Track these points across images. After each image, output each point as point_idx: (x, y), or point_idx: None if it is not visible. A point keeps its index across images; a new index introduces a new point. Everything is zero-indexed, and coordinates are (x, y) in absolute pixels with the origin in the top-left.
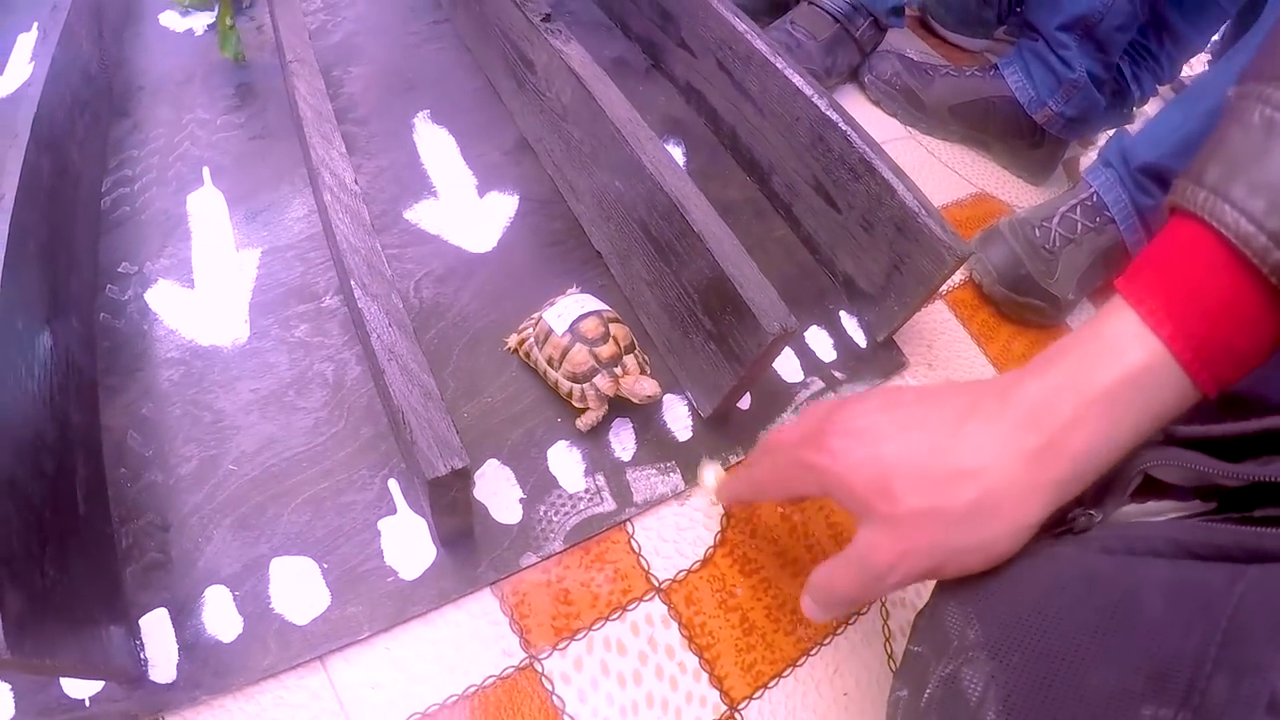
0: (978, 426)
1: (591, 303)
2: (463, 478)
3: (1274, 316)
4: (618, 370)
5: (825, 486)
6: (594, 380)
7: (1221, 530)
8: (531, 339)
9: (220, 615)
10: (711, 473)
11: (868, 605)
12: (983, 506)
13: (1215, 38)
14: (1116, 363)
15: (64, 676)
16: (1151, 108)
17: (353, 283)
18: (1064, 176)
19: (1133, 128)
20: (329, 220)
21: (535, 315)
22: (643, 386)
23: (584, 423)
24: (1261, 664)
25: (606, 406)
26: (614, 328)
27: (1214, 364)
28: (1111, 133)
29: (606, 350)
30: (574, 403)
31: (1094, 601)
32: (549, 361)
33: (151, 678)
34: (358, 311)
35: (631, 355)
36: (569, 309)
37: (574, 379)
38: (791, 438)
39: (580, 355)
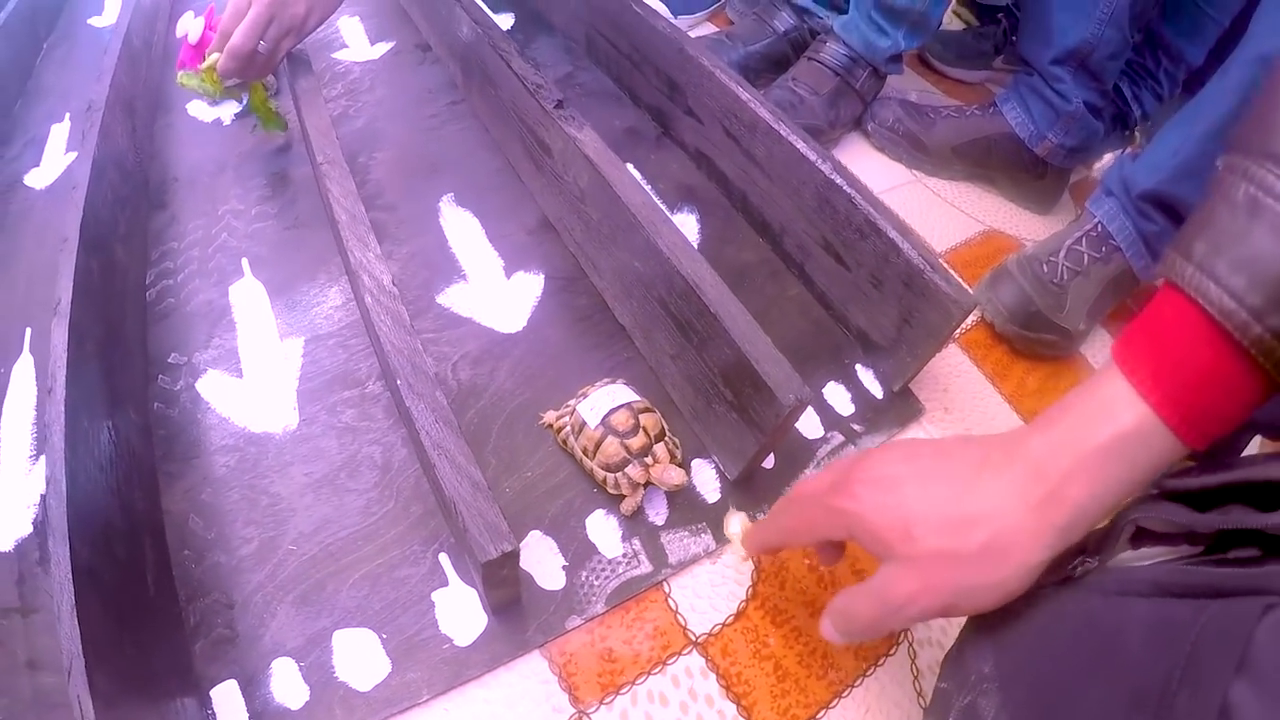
0: (989, 477)
1: (623, 394)
2: (512, 558)
3: (1254, 383)
4: (648, 460)
5: (850, 529)
6: (626, 470)
7: (1194, 572)
8: (568, 429)
9: (287, 685)
10: (736, 522)
11: (887, 634)
12: (993, 548)
13: None
14: (1110, 424)
15: None
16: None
17: (399, 382)
18: (1070, 203)
19: (1133, 153)
20: (371, 321)
21: (570, 404)
22: (670, 476)
23: (626, 508)
24: (1215, 680)
25: (644, 490)
26: (644, 418)
27: (1199, 425)
28: (1114, 154)
29: (637, 442)
30: (609, 489)
31: (1088, 637)
32: (584, 451)
33: None
34: (405, 409)
35: (662, 444)
36: (600, 402)
37: (607, 469)
38: (819, 487)
39: (612, 447)
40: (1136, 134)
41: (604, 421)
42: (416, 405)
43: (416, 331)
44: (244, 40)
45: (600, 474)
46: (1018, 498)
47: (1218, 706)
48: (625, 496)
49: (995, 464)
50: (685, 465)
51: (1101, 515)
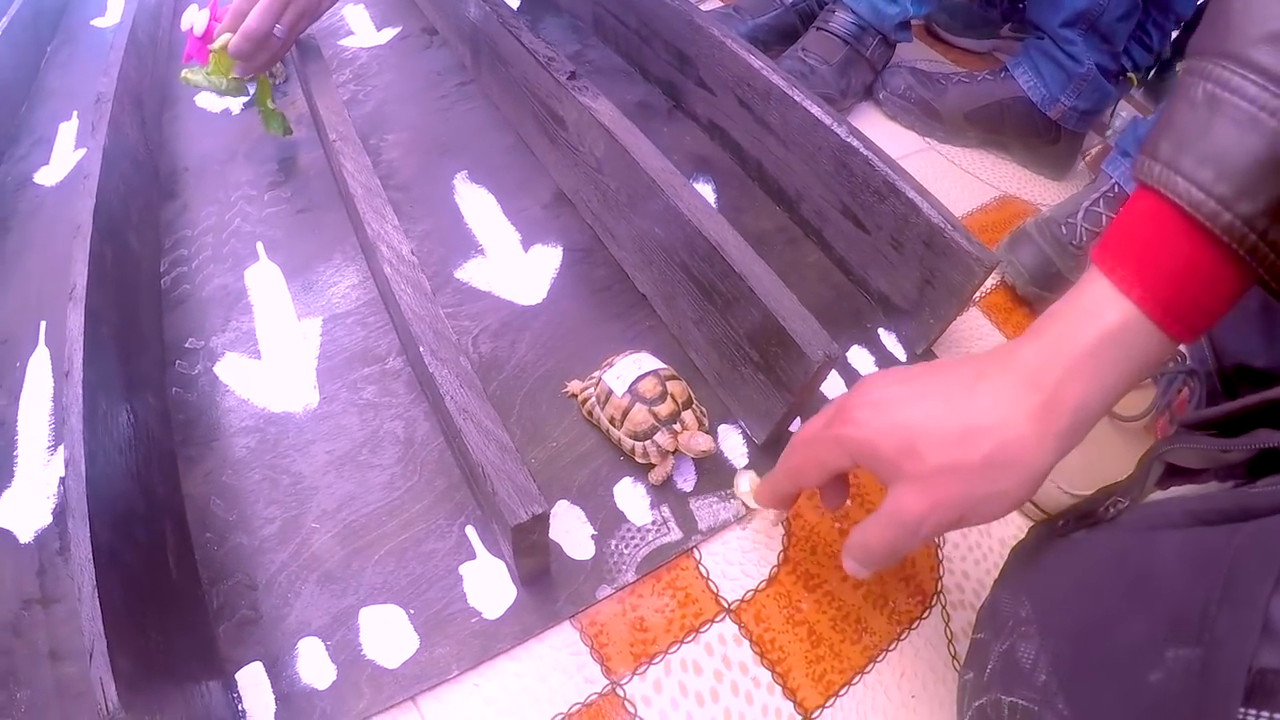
0: (986, 389)
1: (649, 362)
2: (542, 521)
3: (1231, 270)
4: (676, 426)
5: (854, 454)
6: (654, 438)
7: (1223, 497)
8: (594, 399)
9: (314, 665)
10: (746, 480)
11: (905, 556)
12: (998, 458)
13: None
14: (1096, 324)
15: None
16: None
17: (421, 349)
18: (1084, 169)
19: (1148, 116)
20: (391, 291)
21: (595, 375)
22: (698, 442)
23: (655, 477)
24: (1255, 597)
25: (673, 458)
26: (671, 385)
27: (1184, 317)
28: (1118, 113)
29: (665, 409)
30: (637, 459)
31: (1123, 571)
32: (611, 421)
33: None
34: (428, 376)
35: (690, 410)
36: (627, 370)
37: (635, 437)
38: (818, 422)
39: (640, 415)
40: (1133, 78)
41: (631, 389)
42: (440, 371)
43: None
44: (260, 22)
45: (629, 443)
46: (1017, 407)
47: (1260, 622)
48: (654, 465)
49: (990, 375)
50: (712, 432)
51: (1100, 414)
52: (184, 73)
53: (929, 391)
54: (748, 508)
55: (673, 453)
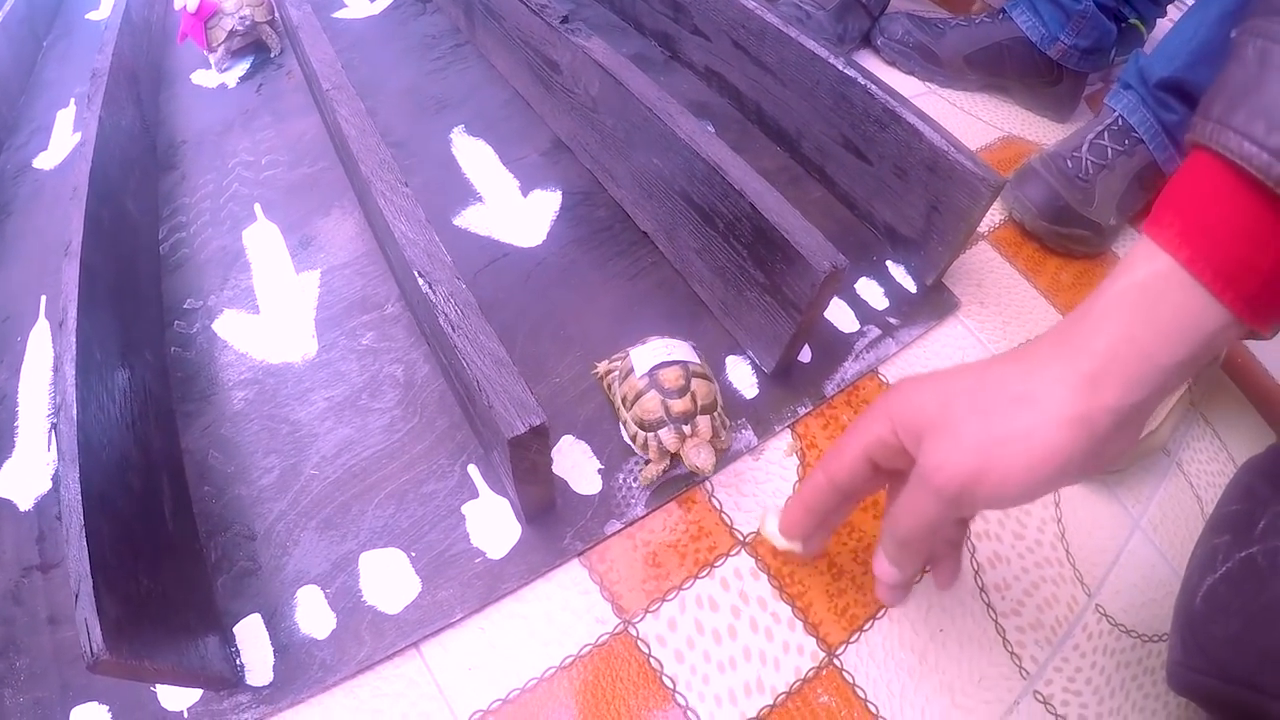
0: (1019, 352)
1: (682, 351)
2: (541, 436)
3: None
4: (686, 429)
5: (889, 414)
6: (659, 432)
7: None
8: (616, 373)
9: (313, 614)
10: (772, 520)
11: (934, 532)
12: (1024, 396)
13: None
14: (1128, 276)
15: (161, 682)
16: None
17: (415, 272)
18: (1088, 113)
19: (1148, 47)
20: (386, 222)
21: (626, 350)
22: (699, 456)
23: (646, 477)
24: None
25: (668, 461)
26: (697, 384)
27: (1235, 279)
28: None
29: (680, 405)
30: (635, 448)
31: None
32: (623, 400)
33: (248, 682)
34: (423, 298)
35: (708, 416)
36: (656, 352)
37: (641, 425)
38: None
39: (652, 403)
40: (1139, 25)
41: (651, 373)
42: (434, 292)
43: None
44: None
45: (632, 428)
46: (1047, 352)
47: None
48: (650, 462)
49: (1024, 347)
50: (719, 364)
51: (1138, 373)
52: None
53: (969, 367)
54: (776, 550)
55: (673, 455)
